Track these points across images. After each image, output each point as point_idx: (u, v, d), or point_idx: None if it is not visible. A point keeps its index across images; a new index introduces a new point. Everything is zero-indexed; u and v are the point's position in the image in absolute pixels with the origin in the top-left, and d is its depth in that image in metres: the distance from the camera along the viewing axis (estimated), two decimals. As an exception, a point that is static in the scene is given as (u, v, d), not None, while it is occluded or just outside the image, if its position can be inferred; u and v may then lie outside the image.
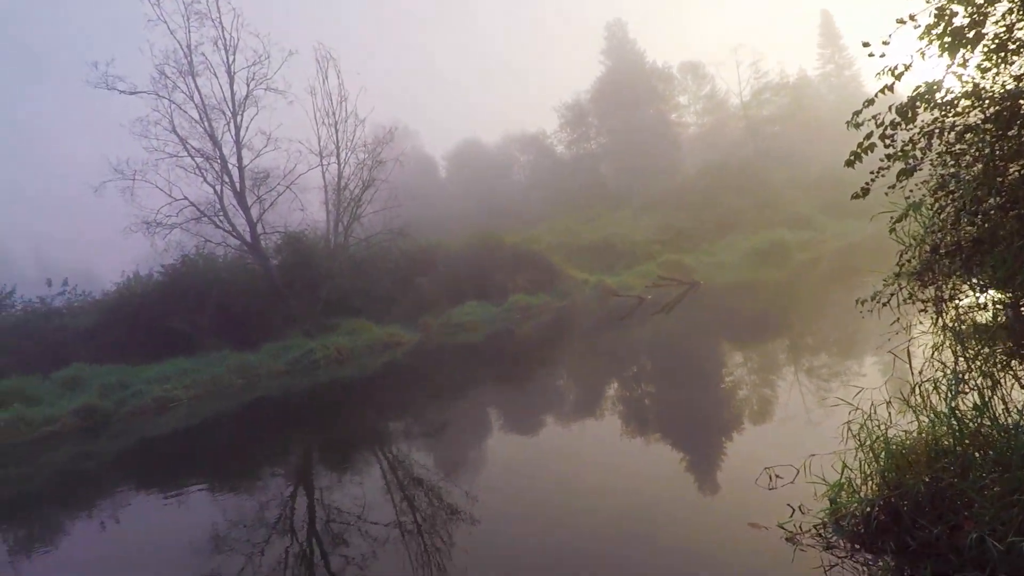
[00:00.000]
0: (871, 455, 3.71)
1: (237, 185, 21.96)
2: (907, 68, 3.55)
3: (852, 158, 3.80)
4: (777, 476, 4.55)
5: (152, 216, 20.64)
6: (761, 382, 8.37)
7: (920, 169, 3.81)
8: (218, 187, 21.77)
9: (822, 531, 3.64)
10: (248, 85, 22.06)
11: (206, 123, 21.52)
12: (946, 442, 3.45)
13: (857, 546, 3.43)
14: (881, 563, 3.26)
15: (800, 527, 3.73)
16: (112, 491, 8.32)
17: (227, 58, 21.82)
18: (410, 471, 6.95)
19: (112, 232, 21.99)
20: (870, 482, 3.67)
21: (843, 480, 3.76)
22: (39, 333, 18.98)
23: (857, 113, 3.75)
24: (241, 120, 22.11)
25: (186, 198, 21.28)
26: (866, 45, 3.64)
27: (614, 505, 4.87)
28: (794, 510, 3.92)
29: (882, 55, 3.60)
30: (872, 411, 3.92)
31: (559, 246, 36.17)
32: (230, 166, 21.94)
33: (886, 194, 3.89)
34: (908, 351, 3.99)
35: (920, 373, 3.87)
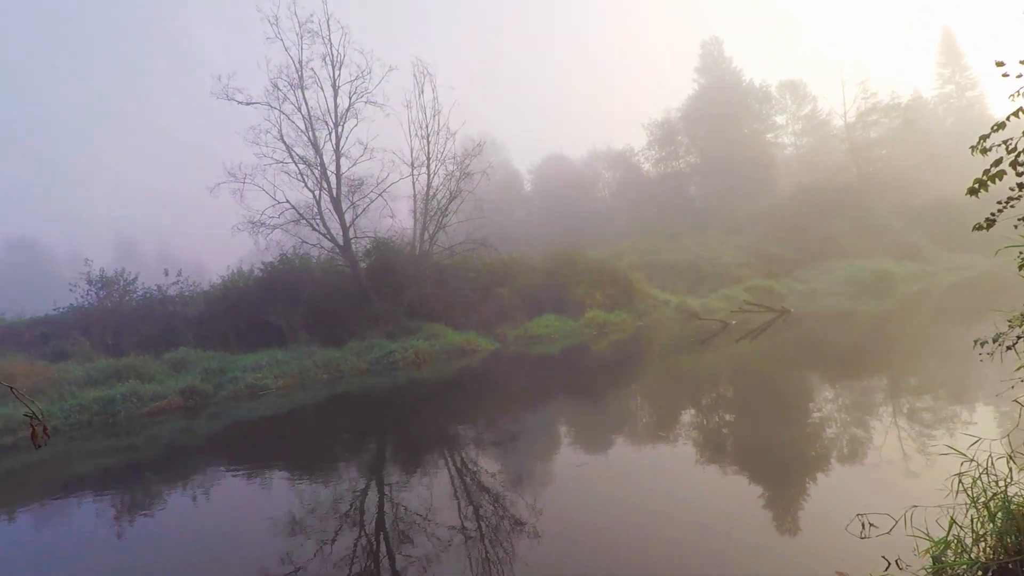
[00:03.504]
0: (986, 513, 3.32)
1: (334, 191, 23.34)
2: (1049, 89, 3.21)
3: (976, 186, 3.47)
4: (871, 525, 4.18)
5: (257, 217, 22.36)
6: (855, 422, 7.76)
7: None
8: (317, 192, 23.26)
9: (922, 591, 3.30)
10: (350, 98, 23.51)
11: (310, 132, 23.07)
12: (1080, 507, 3.04)
13: (963, 612, 3.08)
14: (992, 635, 2.91)
15: (896, 583, 3.40)
16: (206, 467, 8.96)
17: (333, 73, 23.36)
18: (477, 478, 6.99)
19: (222, 230, 23.94)
20: (983, 543, 3.28)
21: (950, 538, 3.38)
22: (155, 317, 20.91)
23: (985, 137, 3.43)
24: (342, 130, 23.54)
25: (288, 201, 22.90)
26: (1000, 64, 3.32)
27: (686, 538, 4.65)
28: (890, 563, 3.58)
29: (1019, 75, 3.27)
30: (989, 464, 3.52)
31: (641, 265, 35.47)
32: (329, 173, 23.36)
33: (1015, 227, 3.52)
34: (1037, 400, 3.56)
35: (1050, 427, 3.44)
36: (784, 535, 4.57)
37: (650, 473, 6.61)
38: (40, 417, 1.65)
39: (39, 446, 1.64)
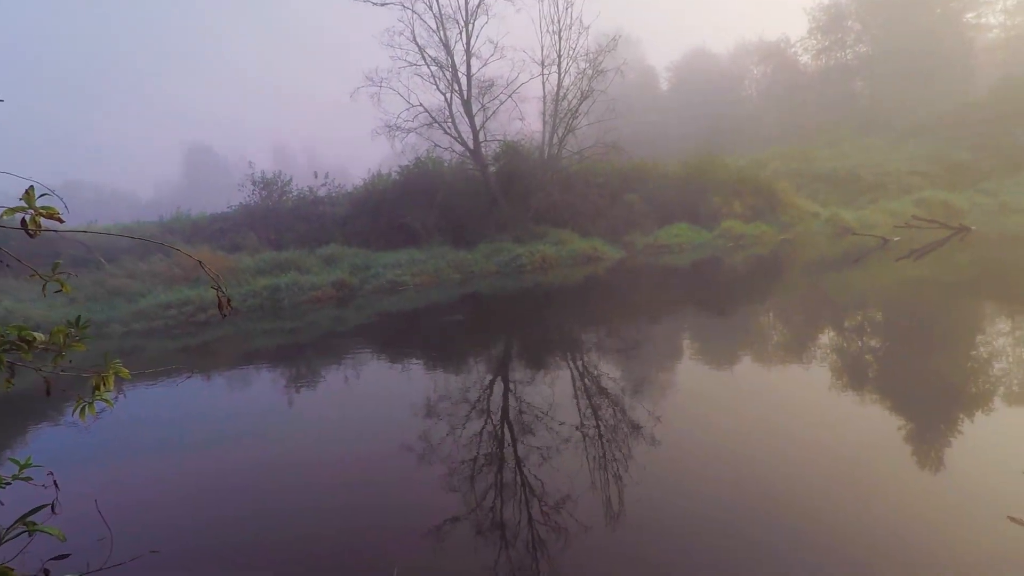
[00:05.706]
0: None
1: (464, 93, 23.33)
2: None
3: None
4: (1053, 471, 3.68)
5: (393, 120, 23.19)
6: (1041, 358, 6.72)
7: None
8: (448, 95, 23.44)
9: (1108, 548, 2.90)
10: (480, -8, 22.77)
11: (442, 32, 22.92)
12: None
13: None
14: None
15: (1076, 536, 3.01)
16: (355, 351, 10.06)
17: (463, -35, 22.59)
18: (598, 381, 7.14)
19: (363, 134, 25.26)
20: None
21: None
22: (308, 216, 23.05)
23: None
24: (472, 28, 23.09)
25: (421, 104, 23.37)
26: None
27: (819, 467, 4.38)
28: (1071, 514, 3.16)
29: None
30: None
31: (788, 173, 32.28)
32: (460, 75, 23.30)
33: None
34: None
35: None
36: (946, 474, 4.12)
37: (779, 394, 6.31)
38: (224, 291, 1.85)
39: (224, 315, 1.85)
